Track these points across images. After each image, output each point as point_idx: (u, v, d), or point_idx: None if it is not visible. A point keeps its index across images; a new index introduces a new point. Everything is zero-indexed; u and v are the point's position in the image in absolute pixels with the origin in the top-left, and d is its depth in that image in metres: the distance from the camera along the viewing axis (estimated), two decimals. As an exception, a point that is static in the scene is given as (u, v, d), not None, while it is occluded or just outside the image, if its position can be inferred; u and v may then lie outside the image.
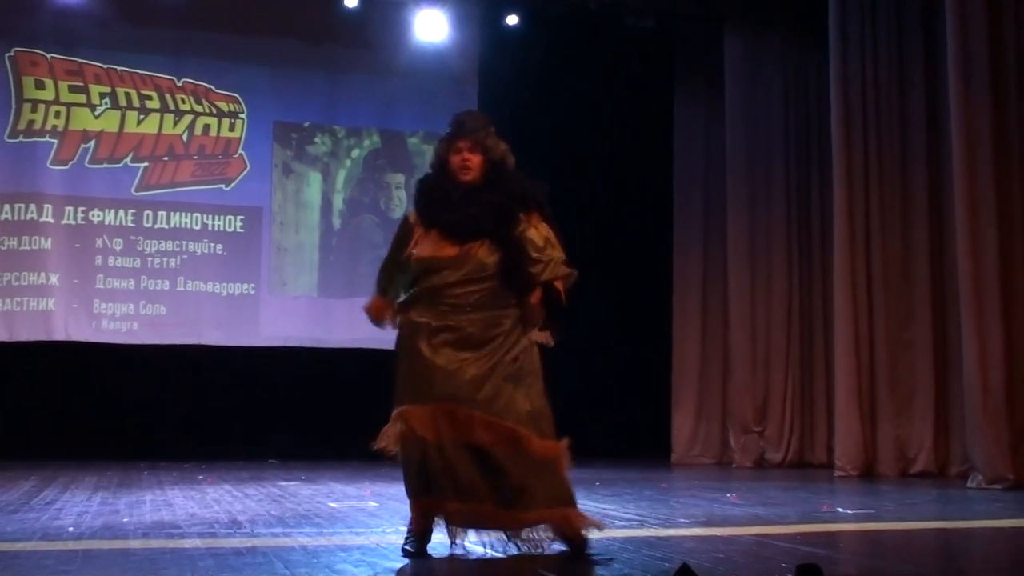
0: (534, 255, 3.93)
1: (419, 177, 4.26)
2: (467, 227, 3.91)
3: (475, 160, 3.97)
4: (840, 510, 5.85)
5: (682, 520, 5.19)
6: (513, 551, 3.85)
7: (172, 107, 10.17)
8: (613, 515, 5.33)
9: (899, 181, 9.14)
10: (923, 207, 9.02)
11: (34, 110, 9.78)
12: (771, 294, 10.40)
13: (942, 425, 8.80)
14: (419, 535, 3.89)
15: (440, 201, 3.98)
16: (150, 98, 10.11)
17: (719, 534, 4.65)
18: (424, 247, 3.96)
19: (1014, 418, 7.62)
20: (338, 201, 10.65)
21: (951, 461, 8.71)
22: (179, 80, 10.20)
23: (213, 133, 10.28)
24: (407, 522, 3.99)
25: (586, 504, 5.72)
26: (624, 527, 4.86)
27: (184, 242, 10.08)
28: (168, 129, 10.15)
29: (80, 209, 9.82)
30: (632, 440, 10.72)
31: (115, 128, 10.00)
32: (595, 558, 3.81)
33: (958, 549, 4.68)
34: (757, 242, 10.46)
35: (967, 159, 7.84)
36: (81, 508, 5.43)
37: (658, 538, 4.51)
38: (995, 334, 7.65)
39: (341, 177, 10.68)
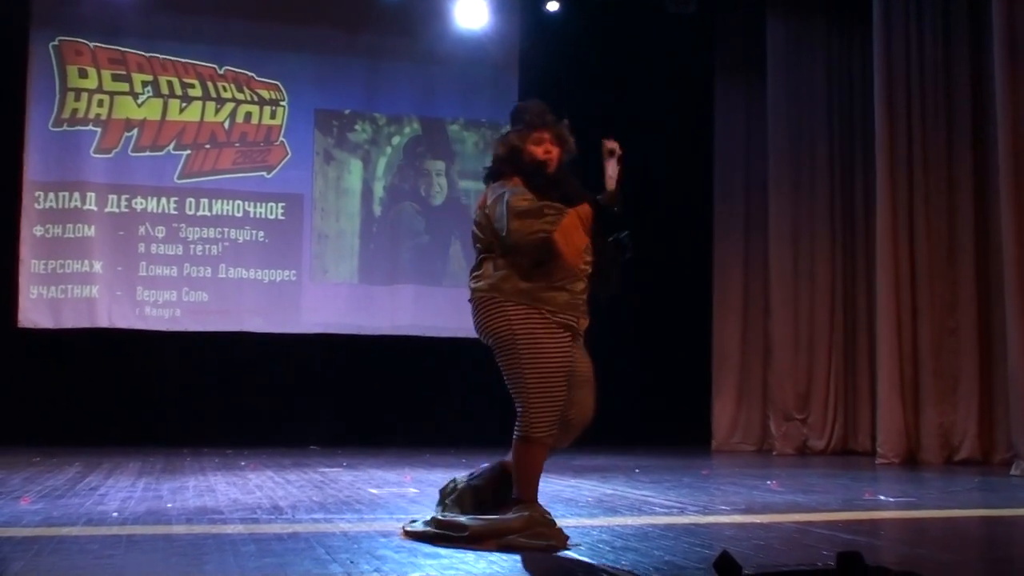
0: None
1: (492, 162, 4.02)
2: (590, 218, 3.84)
3: (555, 152, 3.95)
4: (882, 498, 5.80)
5: (722, 507, 5.17)
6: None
7: (214, 95, 10.25)
8: (653, 502, 5.33)
9: (944, 165, 9.02)
10: (968, 191, 8.90)
11: (77, 99, 9.90)
12: (813, 280, 10.31)
13: (987, 412, 8.70)
14: None
15: (561, 181, 3.87)
16: (192, 86, 10.20)
17: (759, 521, 4.63)
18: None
19: (1061, 405, 7.52)
20: (379, 188, 10.69)
21: (995, 448, 8.62)
22: (221, 68, 10.28)
23: (255, 121, 10.35)
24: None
25: (626, 491, 5.74)
26: (664, 514, 4.85)
27: (226, 229, 10.17)
28: (210, 117, 10.23)
29: (123, 197, 9.93)
30: (672, 427, 10.69)
31: (158, 116, 10.09)
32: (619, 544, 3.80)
33: (1001, 537, 4.63)
34: (799, 227, 10.37)
35: (1013, 141, 7.72)
36: (125, 494, 5.49)
37: (698, 525, 4.49)
38: (1042, 320, 7.54)
39: (382, 164, 10.72)
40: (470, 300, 3.95)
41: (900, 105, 9.13)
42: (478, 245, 3.98)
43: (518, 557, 3.53)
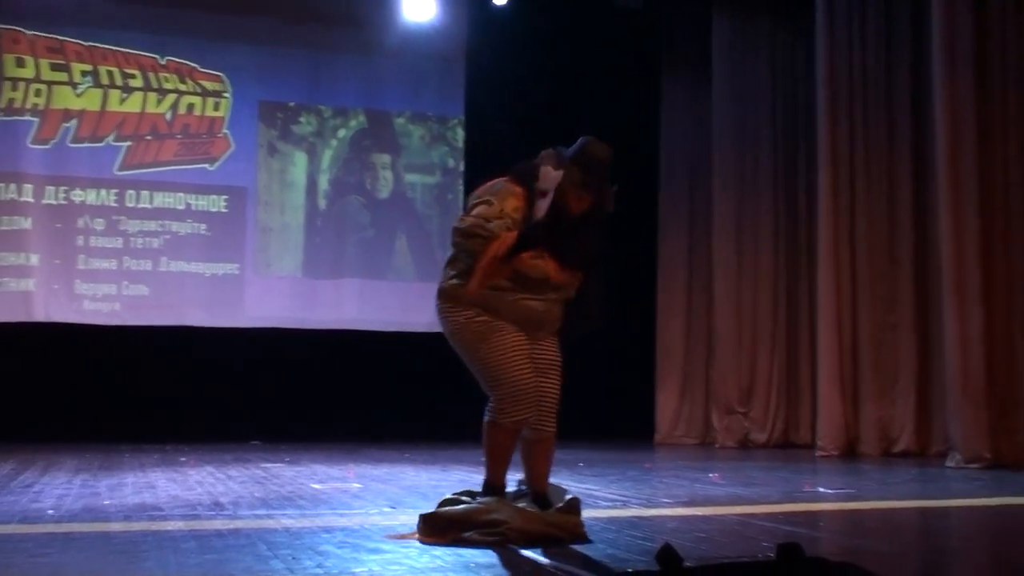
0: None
1: (529, 166, 3.95)
2: (578, 257, 3.90)
3: (585, 206, 3.90)
4: (821, 490, 5.88)
5: (665, 500, 5.21)
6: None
7: (155, 86, 10.11)
8: (596, 495, 5.35)
9: (884, 164, 9.16)
10: (908, 189, 9.05)
11: (15, 88, 9.71)
12: (757, 275, 10.43)
13: (924, 406, 8.86)
14: None
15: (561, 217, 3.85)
16: (133, 76, 10.05)
17: (701, 514, 4.66)
18: (539, 257, 3.84)
19: (993, 399, 7.68)
20: (323, 181, 10.61)
21: (932, 441, 8.77)
22: (163, 58, 10.14)
23: (197, 112, 10.23)
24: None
25: (569, 483, 5.75)
26: (607, 507, 4.88)
27: (167, 222, 10.04)
28: (151, 108, 10.09)
29: (61, 189, 9.76)
30: (616, 420, 10.75)
31: (97, 107, 9.94)
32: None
33: (937, 528, 4.71)
34: (743, 223, 10.48)
35: (951, 141, 7.86)
36: (61, 491, 5.40)
37: (641, 518, 4.52)
38: (976, 317, 7.70)
39: (327, 157, 10.64)
40: None
41: (842, 104, 9.26)
42: (454, 244, 3.97)
43: (463, 552, 3.52)
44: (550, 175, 3.87)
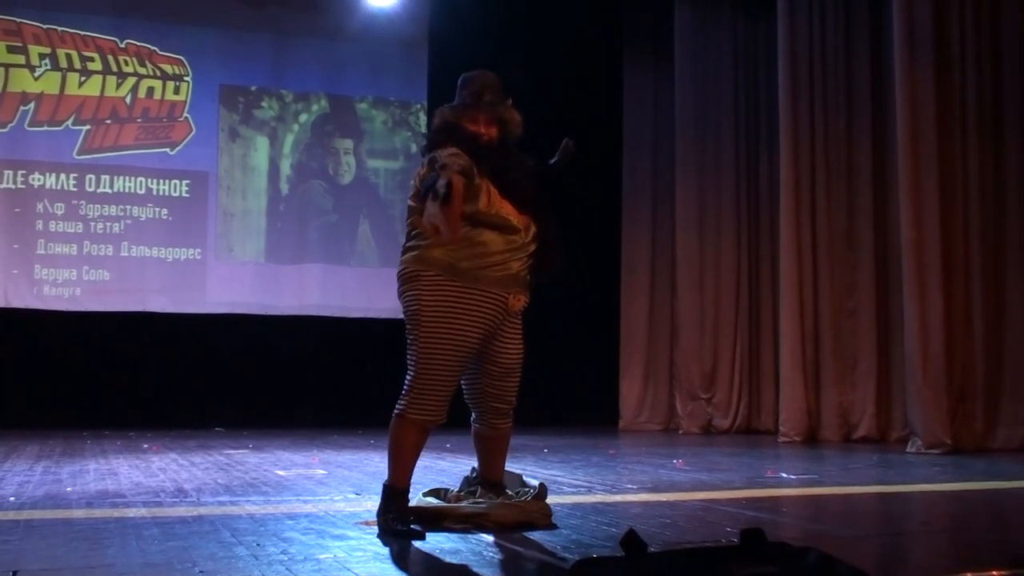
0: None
1: (430, 131, 3.85)
2: (528, 195, 3.77)
3: (492, 132, 3.79)
4: (784, 475, 5.92)
5: (629, 486, 5.23)
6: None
7: (115, 69, 9.99)
8: (561, 481, 5.36)
9: (845, 150, 9.23)
10: (868, 176, 9.12)
11: (-29, 71, 9.57)
12: (719, 261, 10.48)
13: (884, 391, 8.95)
14: None
15: (492, 154, 3.71)
16: (92, 59, 9.92)
17: (665, 499, 4.68)
18: (485, 201, 3.63)
19: (952, 385, 7.78)
20: (285, 166, 10.54)
21: (892, 427, 8.87)
22: (122, 41, 10.02)
23: (157, 96, 10.12)
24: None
25: (534, 470, 5.78)
26: (572, 493, 4.89)
27: (128, 207, 9.94)
28: (111, 91, 9.97)
29: (20, 173, 9.64)
30: (580, 406, 10.78)
31: (56, 90, 9.81)
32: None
33: (897, 512, 4.76)
34: (706, 209, 10.52)
35: (910, 129, 7.93)
36: (23, 477, 5.34)
37: (605, 504, 4.53)
38: (935, 303, 7.78)
39: (289, 142, 10.57)
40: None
41: (803, 92, 9.31)
42: (410, 219, 3.74)
43: (427, 538, 3.51)
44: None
